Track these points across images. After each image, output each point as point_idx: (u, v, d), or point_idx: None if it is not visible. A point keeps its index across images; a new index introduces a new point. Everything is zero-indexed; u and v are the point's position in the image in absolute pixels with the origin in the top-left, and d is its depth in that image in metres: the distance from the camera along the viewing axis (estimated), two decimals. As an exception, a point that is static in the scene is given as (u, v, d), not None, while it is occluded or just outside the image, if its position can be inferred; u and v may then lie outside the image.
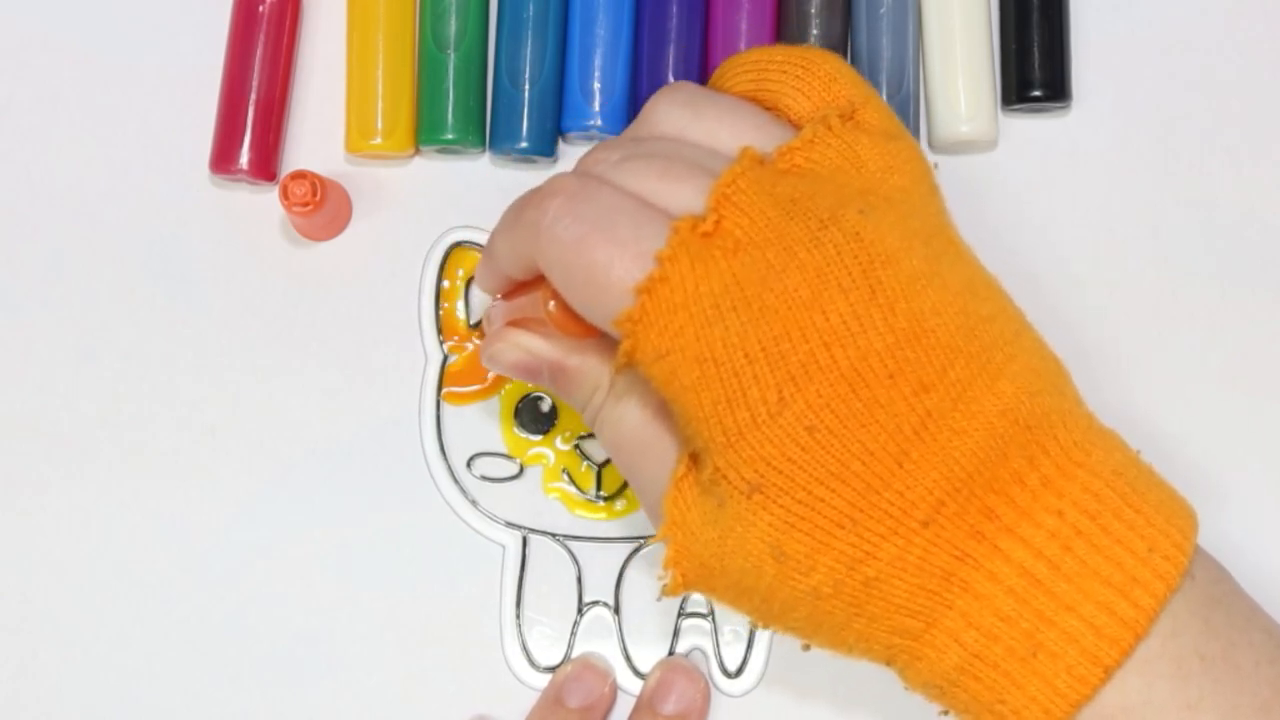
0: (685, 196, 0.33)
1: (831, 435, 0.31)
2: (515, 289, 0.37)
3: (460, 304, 0.47)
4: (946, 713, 0.33)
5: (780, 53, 0.37)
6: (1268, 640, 0.32)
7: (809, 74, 0.36)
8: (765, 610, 0.33)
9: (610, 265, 0.32)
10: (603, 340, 0.35)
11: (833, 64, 0.37)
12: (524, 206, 0.34)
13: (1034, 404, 0.32)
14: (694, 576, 0.33)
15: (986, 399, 0.31)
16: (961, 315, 0.32)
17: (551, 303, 0.35)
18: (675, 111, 0.36)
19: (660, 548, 0.45)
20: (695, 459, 0.33)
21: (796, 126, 0.36)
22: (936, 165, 0.36)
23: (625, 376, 0.35)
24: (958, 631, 0.31)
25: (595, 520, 0.46)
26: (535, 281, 0.36)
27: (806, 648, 0.34)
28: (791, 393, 0.31)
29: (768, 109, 0.37)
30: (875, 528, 0.31)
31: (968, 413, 0.31)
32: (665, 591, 0.33)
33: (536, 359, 0.37)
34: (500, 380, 0.46)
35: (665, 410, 0.34)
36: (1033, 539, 0.31)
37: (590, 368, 0.36)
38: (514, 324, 0.37)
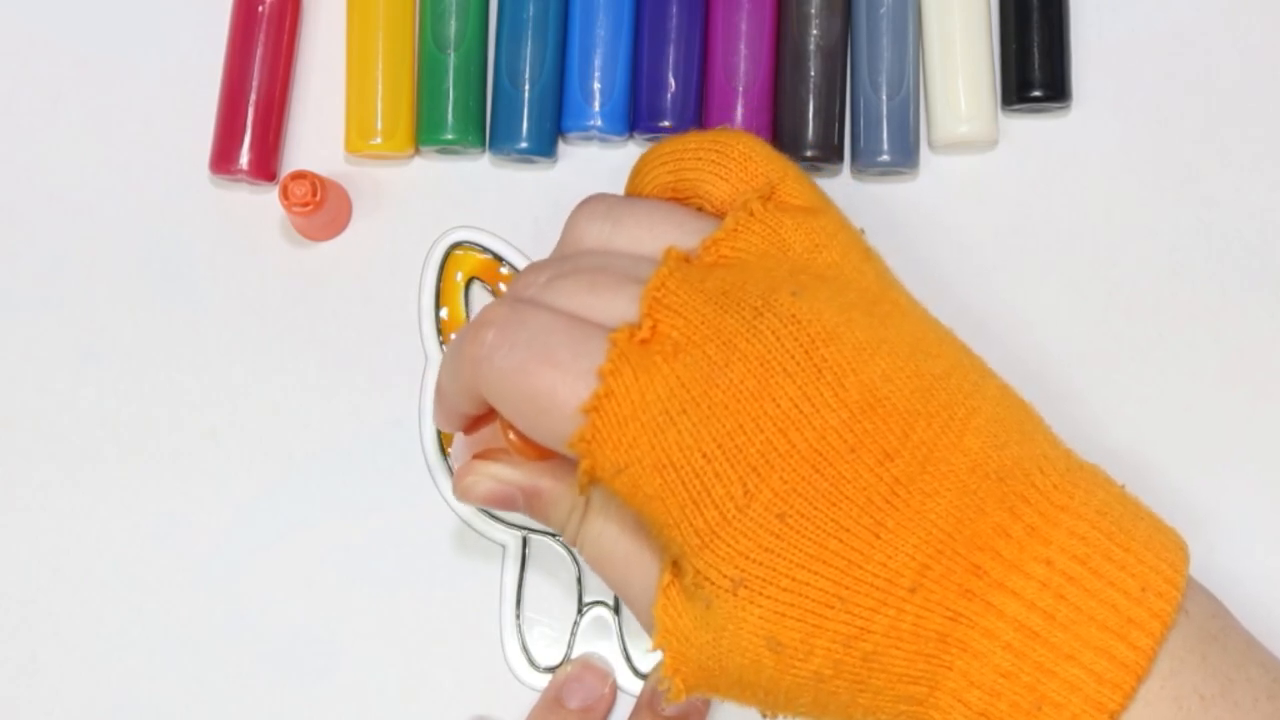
0: (618, 307, 0.33)
1: (803, 519, 0.31)
2: (474, 422, 0.37)
3: (461, 304, 0.47)
4: None
5: (694, 140, 0.37)
6: (1264, 675, 0.32)
7: (724, 157, 0.36)
8: (771, 701, 0.33)
9: (554, 390, 0.32)
10: (570, 460, 0.35)
11: (746, 143, 0.36)
12: (461, 342, 0.34)
13: (1003, 455, 0.32)
14: (694, 680, 0.33)
15: (954, 457, 0.31)
16: (915, 378, 0.32)
17: (510, 432, 0.35)
18: (595, 225, 0.36)
19: None
20: (677, 565, 0.33)
21: (719, 213, 0.36)
22: (863, 231, 0.36)
23: (598, 493, 0.35)
24: (960, 692, 0.31)
25: (595, 520, 0.46)
26: (492, 413, 0.36)
27: None
28: (755, 484, 0.31)
29: (688, 198, 0.37)
30: (864, 602, 0.31)
31: (937, 474, 0.31)
32: (668, 699, 0.33)
33: (508, 487, 0.36)
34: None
35: (641, 521, 0.34)
36: (1024, 590, 0.30)
37: (563, 489, 0.36)
38: (480, 456, 0.37)
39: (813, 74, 0.47)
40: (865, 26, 0.47)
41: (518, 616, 0.46)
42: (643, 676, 0.45)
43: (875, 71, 0.47)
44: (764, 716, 0.34)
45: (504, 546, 0.46)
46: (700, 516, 0.31)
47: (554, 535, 0.46)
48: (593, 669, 0.45)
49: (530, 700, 0.45)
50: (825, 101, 0.46)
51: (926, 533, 0.31)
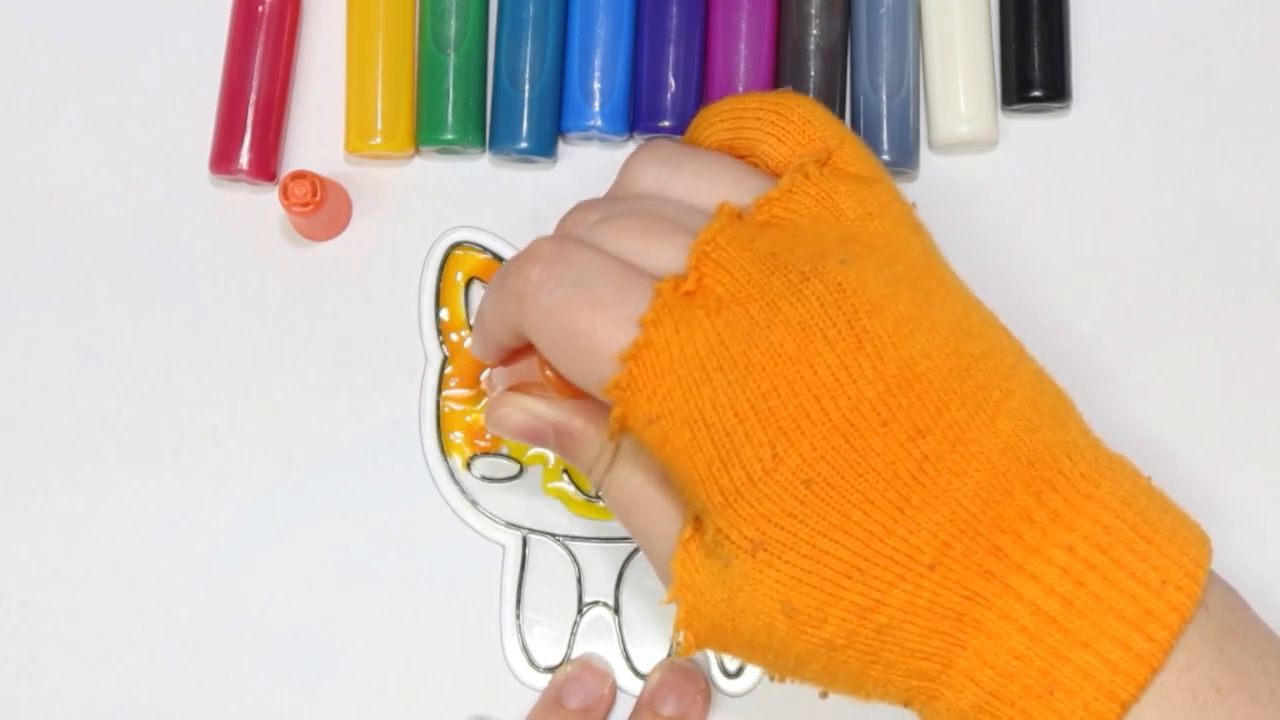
0: (666, 256, 0.33)
1: (829, 487, 0.31)
2: (511, 355, 0.37)
3: (461, 304, 0.47)
4: None
5: (754, 99, 0.37)
6: None
7: (783, 119, 0.36)
8: (780, 665, 0.33)
9: (594, 331, 0.32)
10: (603, 403, 0.35)
11: (807, 107, 0.36)
12: (506, 274, 0.34)
13: (1035, 439, 0.32)
14: (706, 636, 0.33)
15: (986, 438, 0.31)
16: (954, 356, 0.32)
17: (547, 368, 0.35)
18: (652, 169, 0.36)
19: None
20: (698, 521, 0.33)
21: (775, 174, 0.36)
22: (915, 205, 0.36)
23: (628, 440, 0.35)
24: (973, 671, 0.31)
25: (595, 520, 0.46)
26: (530, 347, 0.36)
27: (824, 695, 0.34)
28: (785, 448, 0.31)
29: (744, 157, 0.37)
30: (882, 575, 0.31)
31: (967, 454, 0.31)
32: (680, 652, 0.33)
33: (541, 422, 0.36)
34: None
35: (667, 473, 0.34)
36: (1044, 575, 0.30)
37: (595, 431, 0.36)
38: (516, 388, 0.37)
39: (813, 74, 0.47)
40: (865, 26, 0.47)
41: (518, 616, 0.46)
42: (642, 676, 0.45)
43: (875, 71, 0.47)
44: (772, 680, 0.34)
45: (504, 546, 0.46)
46: (726, 475, 0.31)
47: (554, 535, 0.46)
48: (592, 669, 0.45)
49: (530, 700, 0.45)
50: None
51: (951, 511, 0.31)
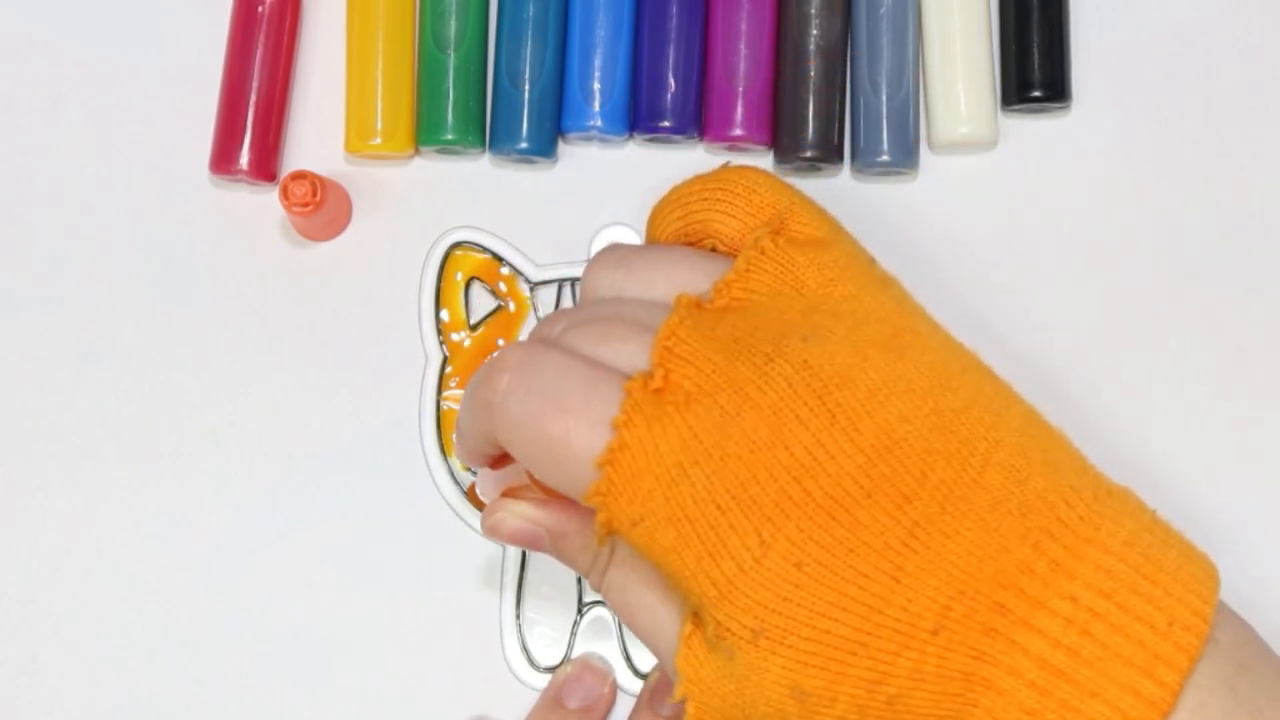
0: (630, 355, 0.33)
1: (821, 566, 0.30)
2: (497, 460, 0.37)
3: (461, 304, 0.47)
4: None
5: (697, 182, 0.37)
6: None
7: (728, 194, 0.36)
8: None
9: (567, 438, 0.32)
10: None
11: (749, 177, 0.36)
12: (476, 385, 0.34)
13: (1025, 489, 0.31)
14: None
15: (975, 495, 0.31)
16: (934, 415, 0.31)
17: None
18: (607, 274, 0.36)
19: None
20: (698, 615, 0.32)
21: (732, 251, 0.36)
22: (875, 260, 0.35)
23: (621, 542, 0.34)
24: None
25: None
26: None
27: None
28: (771, 533, 0.30)
29: (702, 242, 0.36)
30: (886, 646, 0.30)
31: (956, 513, 0.31)
32: None
33: (537, 526, 0.36)
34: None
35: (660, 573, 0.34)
36: (1049, 628, 0.30)
37: (589, 534, 0.35)
38: (509, 493, 0.37)
39: (813, 74, 0.47)
40: (865, 26, 0.47)
41: (518, 616, 0.46)
42: (642, 676, 0.45)
43: (875, 71, 0.47)
44: None
45: (504, 547, 0.46)
46: (717, 568, 0.31)
47: (554, 535, 0.46)
48: (592, 669, 0.45)
49: (530, 700, 0.45)
50: (825, 101, 0.46)
51: (947, 574, 0.30)
